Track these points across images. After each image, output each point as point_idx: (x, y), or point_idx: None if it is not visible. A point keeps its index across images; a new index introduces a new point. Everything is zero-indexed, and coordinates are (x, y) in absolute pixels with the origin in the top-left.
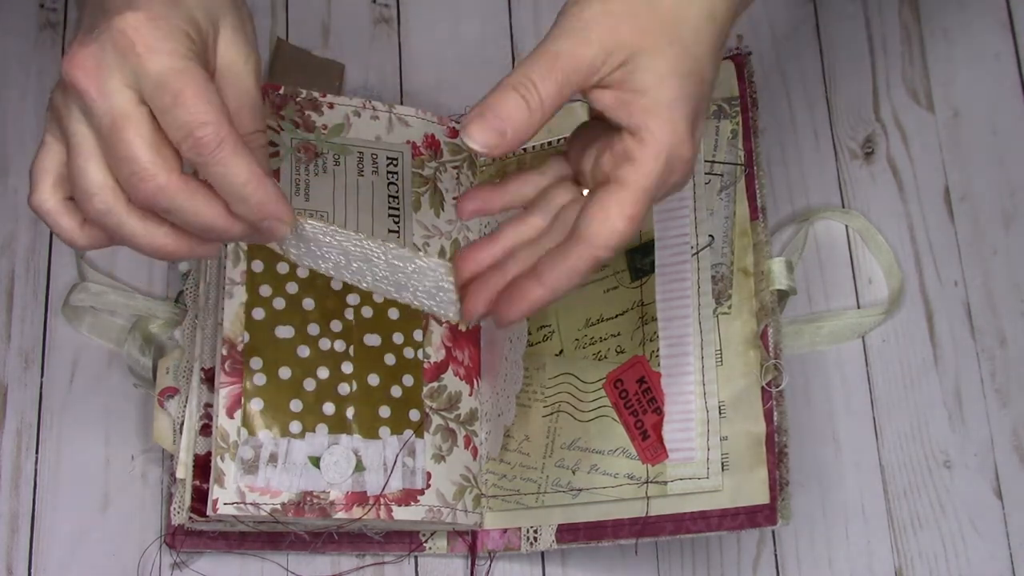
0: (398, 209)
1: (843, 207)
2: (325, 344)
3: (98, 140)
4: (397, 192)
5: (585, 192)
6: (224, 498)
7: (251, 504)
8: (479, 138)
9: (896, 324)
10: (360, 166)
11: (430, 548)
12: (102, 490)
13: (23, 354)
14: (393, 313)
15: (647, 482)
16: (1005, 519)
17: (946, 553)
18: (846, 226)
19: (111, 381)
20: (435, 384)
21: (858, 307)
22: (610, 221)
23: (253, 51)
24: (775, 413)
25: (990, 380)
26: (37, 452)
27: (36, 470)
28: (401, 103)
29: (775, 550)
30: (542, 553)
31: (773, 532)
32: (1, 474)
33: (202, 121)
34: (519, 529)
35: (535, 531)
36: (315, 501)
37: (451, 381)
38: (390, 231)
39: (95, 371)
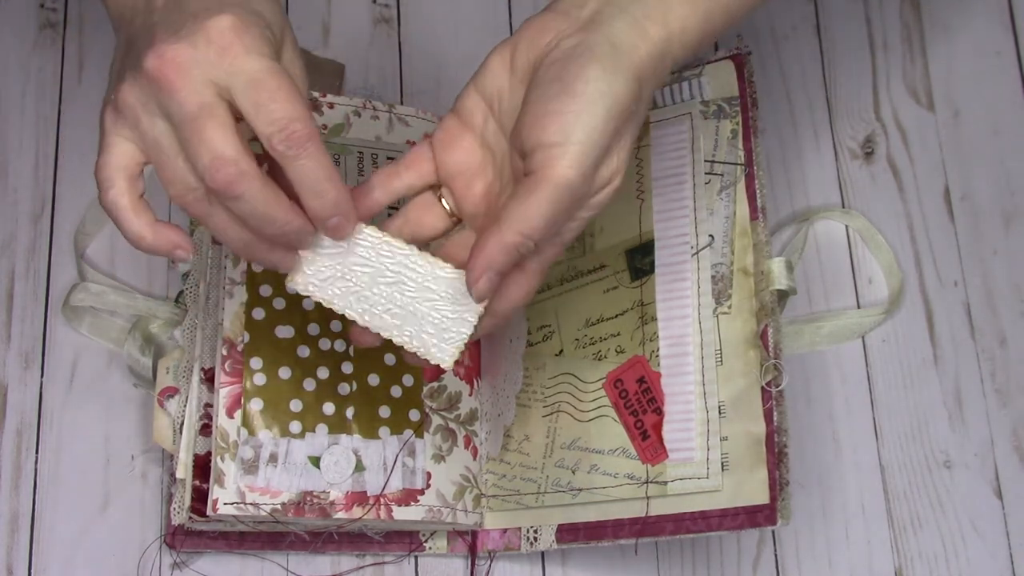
0: (398, 209)
1: (843, 207)
2: (325, 344)
3: (179, 132)
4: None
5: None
6: (224, 498)
7: (251, 504)
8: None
9: (896, 324)
10: (360, 166)
11: (430, 548)
12: (102, 490)
13: (23, 354)
14: None
15: (647, 482)
16: (1005, 519)
17: (946, 553)
18: (846, 226)
19: (111, 381)
20: (435, 384)
21: (858, 307)
22: (531, 213)
23: (303, 66)
24: (775, 413)
25: (990, 380)
26: (37, 452)
27: (36, 470)
28: (401, 103)
29: (775, 550)
30: (542, 553)
31: (773, 532)
32: (1, 474)
33: (296, 116)
34: (519, 529)
35: (535, 531)
36: (315, 501)
37: (451, 381)
38: None
39: (95, 371)
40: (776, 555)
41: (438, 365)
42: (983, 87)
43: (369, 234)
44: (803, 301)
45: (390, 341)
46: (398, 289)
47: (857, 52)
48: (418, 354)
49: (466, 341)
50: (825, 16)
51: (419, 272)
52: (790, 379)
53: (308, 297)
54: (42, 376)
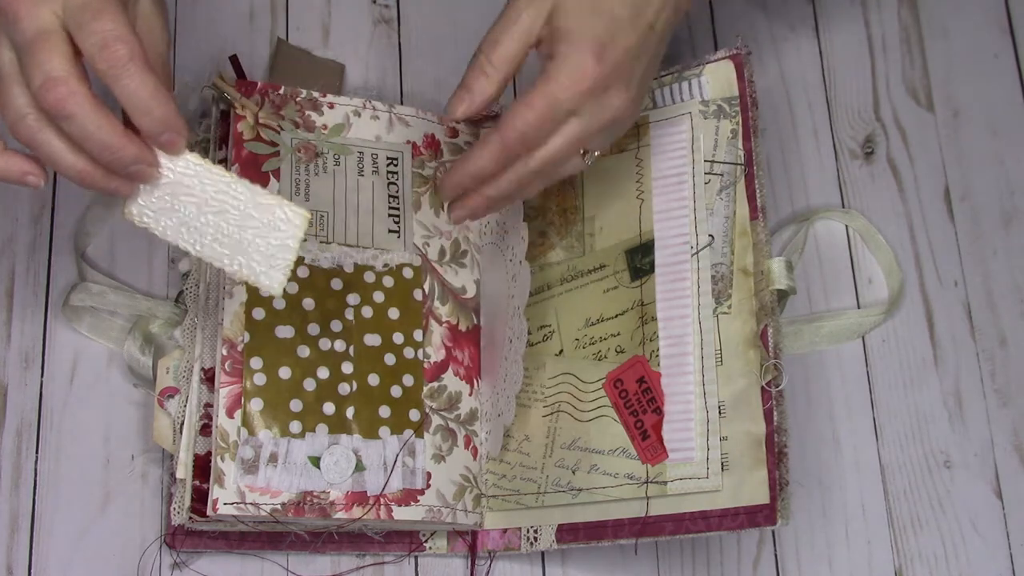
0: (398, 209)
1: (843, 207)
2: (325, 344)
3: (20, 58)
4: (397, 192)
5: None
6: (224, 498)
7: (251, 504)
8: (460, 111)
9: (896, 324)
10: (360, 166)
11: (430, 548)
12: (102, 490)
13: (23, 354)
14: (393, 313)
15: (647, 482)
16: (1005, 519)
17: (946, 553)
18: (846, 226)
19: (111, 381)
20: (435, 384)
21: (858, 307)
22: (516, 108)
23: (165, 18)
24: (775, 413)
25: (990, 380)
26: (37, 452)
27: (36, 470)
28: (401, 103)
29: (775, 550)
30: (542, 553)
31: (773, 532)
32: (1, 474)
33: (117, 36)
34: (519, 529)
35: (535, 531)
36: (315, 501)
37: (451, 381)
38: (390, 231)
39: (95, 371)
40: (776, 555)
41: (269, 293)
42: (982, 88)
43: (192, 162)
44: (803, 301)
45: (390, 341)
46: (223, 218)
47: (856, 53)
48: (249, 282)
49: (291, 267)
50: (824, 17)
51: (240, 200)
52: (790, 379)
53: (308, 297)
54: (42, 376)
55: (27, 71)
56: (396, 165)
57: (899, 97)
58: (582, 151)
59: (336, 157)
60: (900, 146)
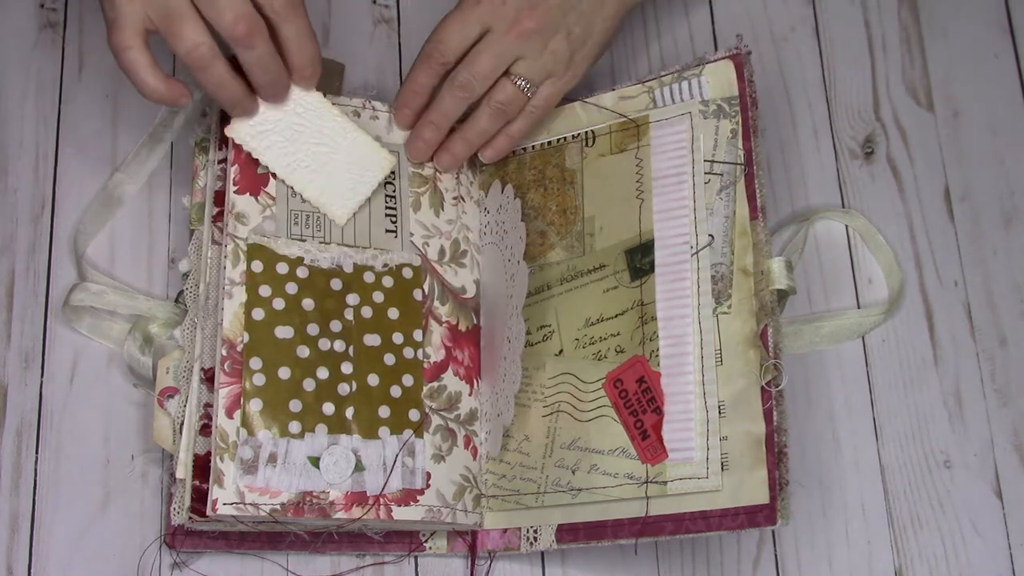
0: (395, 209)
1: (843, 207)
2: (325, 344)
3: (199, 1)
4: (394, 192)
5: None
6: (223, 498)
7: (250, 504)
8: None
9: (896, 324)
10: None
11: (430, 548)
12: (102, 490)
13: (23, 354)
14: (393, 313)
15: (647, 482)
16: (1005, 519)
17: (946, 553)
18: (846, 226)
19: (111, 381)
20: (435, 384)
21: (858, 307)
22: (438, 24)
23: None
24: (774, 413)
25: (990, 380)
26: (37, 452)
27: (36, 470)
28: None
29: (775, 550)
30: (542, 553)
31: (773, 532)
32: (1, 474)
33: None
34: (519, 529)
35: (535, 531)
36: (315, 501)
37: (451, 381)
38: (387, 230)
39: (95, 371)
40: (776, 555)
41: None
42: (982, 88)
43: (317, 100)
44: (803, 301)
45: (390, 341)
46: (322, 150)
47: (856, 53)
48: (321, 208)
49: (362, 202)
50: (824, 17)
51: (346, 137)
52: (790, 379)
53: (308, 297)
54: (42, 376)
55: (213, 9)
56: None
57: (899, 97)
58: (516, 80)
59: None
60: (900, 146)
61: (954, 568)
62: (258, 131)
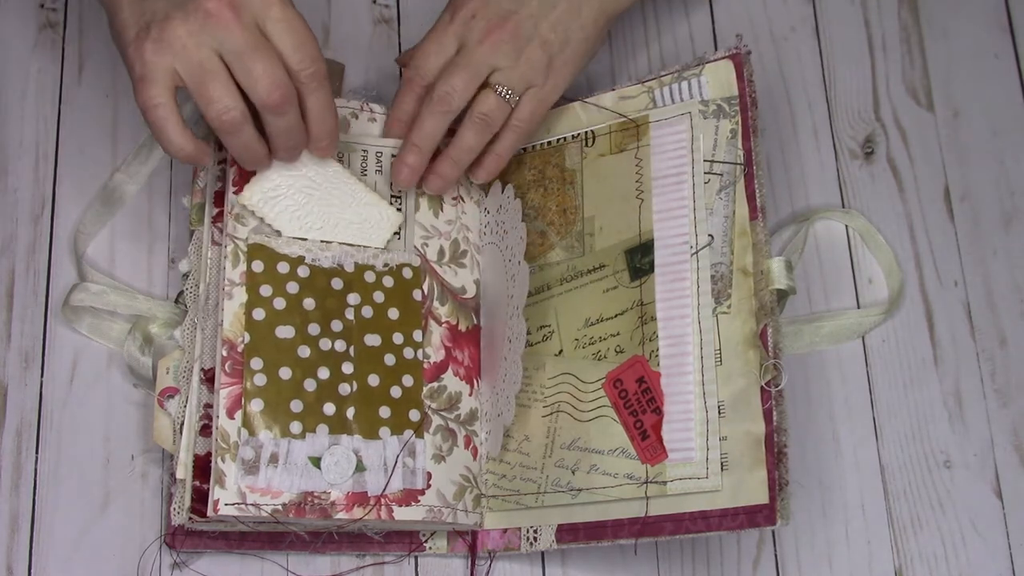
0: (400, 210)
1: (843, 207)
2: (325, 344)
3: (233, 63)
4: (400, 192)
5: None
6: (225, 499)
7: (252, 505)
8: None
9: (896, 324)
10: (364, 165)
11: (430, 548)
12: (102, 490)
13: (23, 354)
14: (393, 313)
15: (647, 482)
16: (1005, 519)
17: (946, 553)
18: (846, 226)
19: (111, 381)
20: (435, 384)
21: (858, 307)
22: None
23: None
24: (774, 413)
25: (990, 380)
26: (37, 452)
27: (36, 470)
28: None
29: (775, 550)
30: (542, 553)
31: (773, 532)
32: (1, 474)
33: (318, 57)
34: (519, 529)
35: (535, 531)
36: (316, 501)
37: (451, 381)
38: (393, 232)
39: (95, 371)
40: (776, 555)
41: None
42: (982, 88)
43: (330, 165)
44: (803, 301)
45: (390, 341)
46: (332, 211)
47: (856, 53)
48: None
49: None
50: (824, 17)
51: (358, 200)
52: (790, 379)
53: (308, 297)
54: (42, 376)
55: (249, 74)
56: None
57: (899, 97)
58: (496, 88)
59: (340, 155)
60: (900, 146)
61: (954, 568)
62: (270, 197)
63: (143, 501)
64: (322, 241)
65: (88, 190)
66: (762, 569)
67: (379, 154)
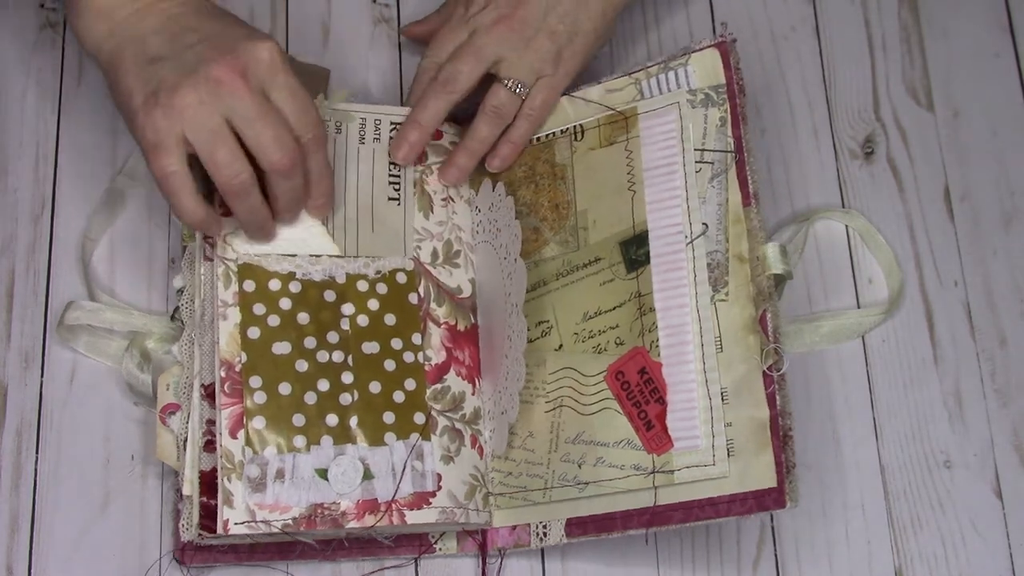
0: (399, 177)
1: (843, 207)
2: (323, 356)
3: (243, 129)
4: (398, 171)
5: None
6: (234, 518)
7: (262, 522)
8: None
9: (896, 324)
10: (362, 133)
11: (440, 549)
12: (102, 490)
13: (23, 354)
14: (390, 319)
15: (654, 472)
16: (1005, 519)
17: (946, 553)
18: (846, 226)
19: (111, 381)
20: (439, 386)
21: (858, 307)
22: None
23: None
24: (777, 397)
25: (990, 380)
26: (37, 452)
27: (36, 470)
28: (401, 103)
29: (775, 550)
30: (542, 550)
31: (773, 532)
32: (1, 474)
33: (318, 122)
34: (528, 525)
35: (544, 527)
36: (326, 513)
37: (454, 381)
38: (390, 198)
39: (95, 371)
40: (776, 555)
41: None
42: (982, 88)
43: (317, 227)
44: (803, 301)
45: (389, 347)
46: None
47: (856, 53)
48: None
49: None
50: (824, 17)
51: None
52: (790, 379)
53: (302, 311)
54: (42, 376)
55: (259, 140)
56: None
57: (899, 97)
58: (506, 82)
59: (337, 124)
60: (900, 146)
61: (954, 568)
62: (258, 251)
63: (143, 501)
64: (311, 256)
65: (88, 190)
66: (762, 569)
67: (378, 122)
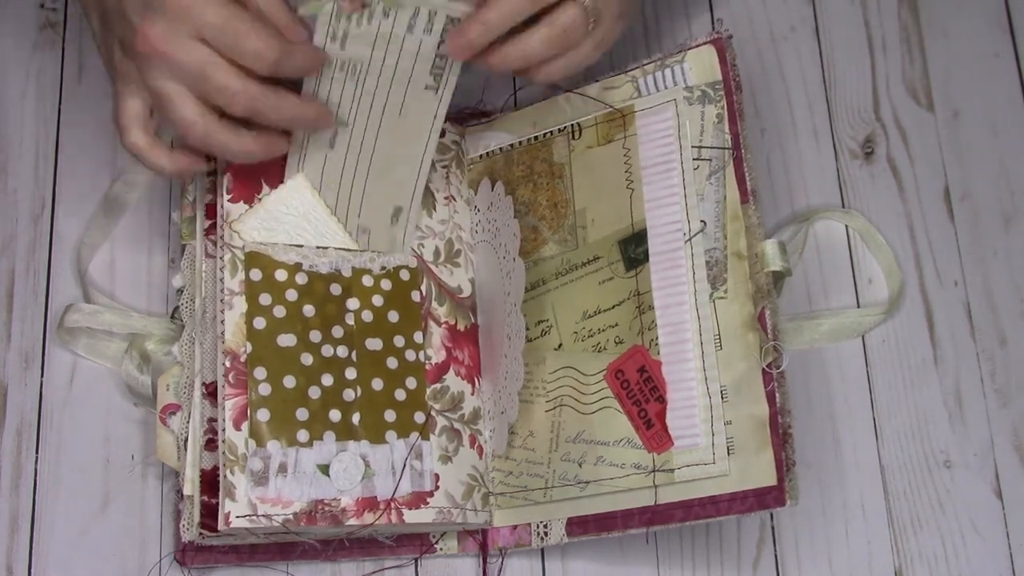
0: (443, 67)
1: (843, 207)
2: (328, 351)
3: (190, 86)
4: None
5: None
6: (236, 511)
7: (263, 516)
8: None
9: (896, 324)
10: (412, 22)
11: (441, 549)
12: (102, 490)
13: (23, 354)
14: (393, 316)
15: (654, 470)
16: (1005, 519)
17: (946, 553)
18: (846, 226)
19: (111, 381)
20: (438, 386)
21: (858, 307)
22: None
23: None
24: (777, 394)
25: (990, 380)
26: (37, 452)
27: (36, 470)
28: None
29: (775, 550)
30: (542, 550)
31: (773, 532)
32: (1, 474)
33: (268, 46)
34: (529, 525)
35: (545, 526)
36: (326, 509)
37: (453, 381)
38: (427, 87)
39: (95, 371)
40: (776, 555)
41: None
42: (982, 88)
43: (321, 209)
44: (803, 301)
45: (391, 344)
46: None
47: (856, 53)
48: None
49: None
50: (824, 17)
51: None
52: (790, 379)
53: (308, 304)
54: (42, 376)
55: (207, 92)
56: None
57: (899, 97)
58: (585, 2)
59: (386, 10)
60: (900, 146)
61: (954, 568)
62: (266, 227)
63: (143, 500)
64: (318, 247)
65: (88, 191)
66: (762, 569)
67: (432, 14)
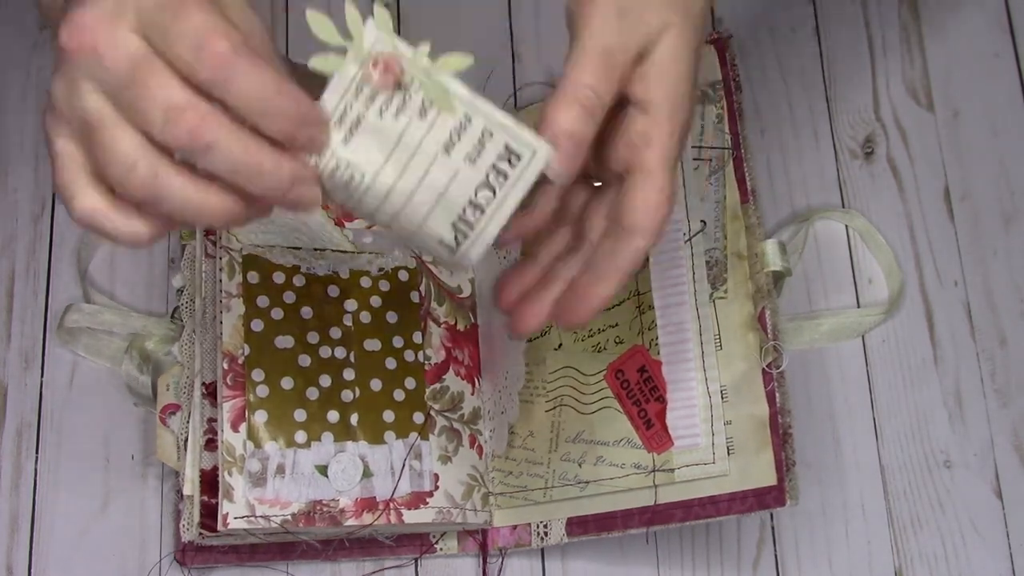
0: (484, 208)
1: (843, 207)
2: (325, 352)
3: (119, 99)
4: (493, 193)
5: (597, 184)
6: (234, 512)
7: (261, 517)
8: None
9: (896, 324)
10: (457, 136)
11: (441, 549)
12: (102, 490)
13: (23, 354)
14: (391, 317)
15: (654, 470)
16: (1005, 519)
17: (946, 553)
18: (846, 226)
19: (111, 381)
20: (437, 386)
21: (858, 307)
22: (651, 206)
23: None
24: (777, 394)
25: (990, 380)
26: (37, 452)
27: (36, 470)
28: None
29: (775, 550)
30: (542, 550)
31: (773, 532)
32: (1, 474)
33: (212, 29)
34: (528, 525)
35: (545, 526)
36: (325, 510)
37: (453, 381)
38: (442, 243)
39: (95, 371)
40: (776, 555)
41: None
42: (982, 88)
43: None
44: (803, 301)
45: (390, 345)
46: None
47: (856, 53)
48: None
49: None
50: (824, 17)
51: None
52: (790, 379)
53: (306, 306)
54: (42, 376)
55: (139, 110)
56: (514, 165)
57: (899, 97)
58: None
59: (425, 104)
60: (900, 146)
61: (954, 568)
62: (263, 230)
63: (143, 500)
64: (315, 249)
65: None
66: (762, 569)
67: (487, 133)
